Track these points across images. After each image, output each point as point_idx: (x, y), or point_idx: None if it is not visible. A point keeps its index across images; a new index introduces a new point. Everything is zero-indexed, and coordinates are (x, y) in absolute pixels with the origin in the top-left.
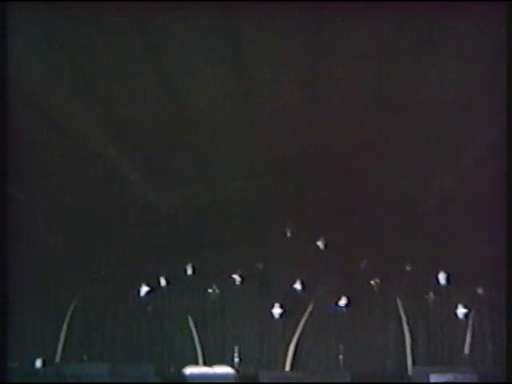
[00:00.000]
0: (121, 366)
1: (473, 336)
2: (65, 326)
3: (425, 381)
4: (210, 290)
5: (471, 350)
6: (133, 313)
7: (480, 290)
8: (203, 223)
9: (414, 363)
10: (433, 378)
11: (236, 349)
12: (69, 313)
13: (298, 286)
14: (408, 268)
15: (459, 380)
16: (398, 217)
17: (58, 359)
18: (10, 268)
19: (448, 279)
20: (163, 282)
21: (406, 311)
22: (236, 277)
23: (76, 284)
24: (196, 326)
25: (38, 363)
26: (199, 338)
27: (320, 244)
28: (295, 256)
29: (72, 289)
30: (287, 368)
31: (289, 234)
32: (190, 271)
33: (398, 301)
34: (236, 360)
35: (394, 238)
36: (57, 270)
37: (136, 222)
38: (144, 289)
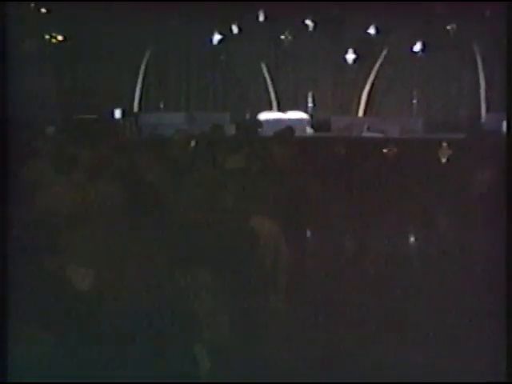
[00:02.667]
0: (197, 114)
1: None
2: (140, 76)
3: (498, 128)
4: (282, 37)
5: None
6: (207, 61)
7: None
8: None
9: (487, 110)
10: (505, 123)
11: (309, 94)
12: (144, 61)
13: (372, 30)
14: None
15: None
16: None
17: (135, 109)
18: None
19: None
20: (235, 29)
21: (482, 57)
22: (309, 22)
23: (150, 31)
24: (269, 73)
25: (117, 113)
26: (273, 84)
27: None
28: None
29: (147, 35)
30: (360, 114)
31: None
32: (261, 17)
33: (475, 46)
34: (310, 105)
35: None
36: None
37: None
38: (217, 37)
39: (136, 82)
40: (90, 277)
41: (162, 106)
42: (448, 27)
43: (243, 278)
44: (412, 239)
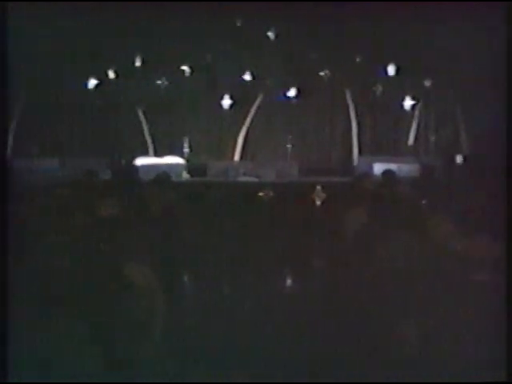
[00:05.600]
0: (72, 160)
1: (418, 127)
2: (15, 119)
3: (369, 169)
4: (158, 82)
5: (415, 141)
6: (83, 106)
7: (428, 83)
8: None
9: (360, 153)
10: (377, 166)
11: (186, 139)
12: (17, 105)
13: (247, 76)
14: (358, 60)
15: (402, 168)
16: None
17: (9, 153)
18: None
19: (397, 71)
20: (112, 74)
21: (354, 102)
22: (185, 68)
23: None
24: (146, 118)
25: None
26: (149, 129)
27: (270, 34)
28: (245, 47)
29: (20, 79)
30: (236, 158)
31: (238, 24)
32: (138, 62)
33: (347, 92)
34: (186, 150)
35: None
36: None
37: None
38: (92, 81)
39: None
40: None
41: (34, 151)
42: (321, 73)
43: (114, 326)
44: (289, 281)
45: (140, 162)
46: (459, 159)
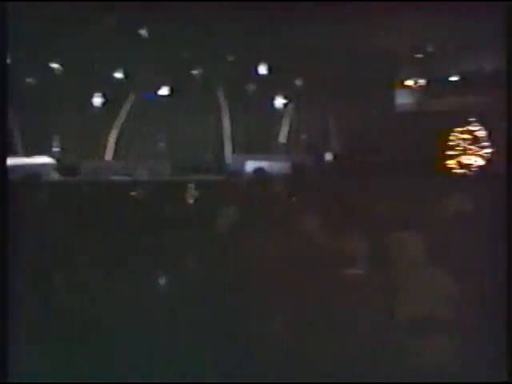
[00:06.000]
0: None
1: (289, 126)
2: None
3: (241, 168)
4: (28, 80)
5: (287, 140)
6: None
7: (299, 82)
8: None
9: (232, 151)
10: (249, 164)
11: (56, 139)
12: None
13: (119, 74)
14: (231, 59)
15: (274, 166)
16: None
17: None
18: None
19: (269, 70)
20: None
21: (226, 101)
22: (56, 66)
23: None
24: (16, 118)
25: None
26: (19, 129)
27: (143, 32)
28: (117, 45)
29: None
30: (109, 157)
31: (112, 23)
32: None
33: (219, 91)
34: (56, 150)
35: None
36: None
37: None
38: None
39: None
40: None
41: None
42: (194, 72)
43: None
44: (162, 281)
45: (10, 161)
46: (329, 156)
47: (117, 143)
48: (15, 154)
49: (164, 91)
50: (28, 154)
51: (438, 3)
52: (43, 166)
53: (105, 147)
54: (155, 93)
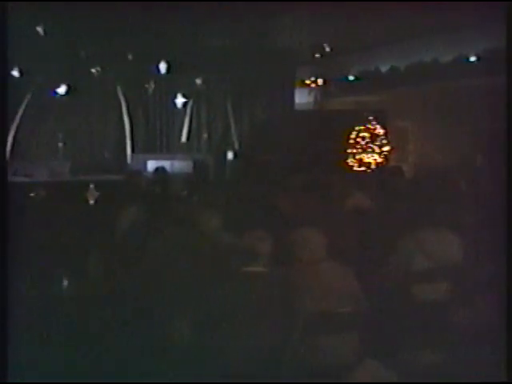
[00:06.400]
0: None
1: (190, 125)
2: None
3: (142, 167)
4: None
5: (188, 139)
6: None
7: (199, 81)
8: None
9: (133, 151)
10: (150, 164)
11: None
12: None
13: (15, 73)
14: (130, 57)
15: (175, 165)
16: None
17: None
18: None
19: (169, 69)
20: None
21: (126, 100)
22: None
23: None
24: None
25: None
26: None
27: (40, 30)
28: (13, 42)
29: None
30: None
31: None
32: None
33: (119, 89)
34: None
35: None
36: None
37: None
38: None
39: None
40: None
41: None
42: (92, 70)
43: None
44: (65, 282)
45: None
46: (230, 155)
47: (14, 143)
48: None
49: (62, 89)
50: None
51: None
52: None
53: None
54: (54, 91)
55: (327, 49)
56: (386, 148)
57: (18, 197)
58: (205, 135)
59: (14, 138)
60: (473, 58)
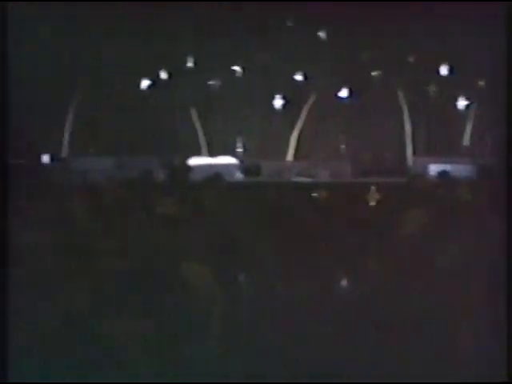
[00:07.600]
0: (126, 158)
1: (473, 128)
2: (68, 121)
3: (424, 171)
4: (211, 82)
5: (471, 142)
6: (136, 106)
7: (482, 83)
8: None
9: (414, 153)
10: (432, 167)
11: (239, 139)
12: (72, 108)
13: (299, 77)
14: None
15: (458, 170)
16: None
17: (64, 154)
18: None
19: (450, 71)
20: (164, 74)
21: (407, 103)
22: (237, 68)
23: (78, 78)
24: (199, 118)
25: (45, 159)
26: (202, 129)
27: (321, 34)
28: (296, 47)
29: (74, 83)
30: (289, 158)
31: (289, 24)
32: (190, 63)
33: (399, 92)
34: (239, 150)
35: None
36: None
37: None
38: (145, 82)
39: (64, 128)
40: None
41: (91, 150)
42: (373, 73)
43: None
44: (344, 282)
45: (193, 162)
46: None
47: (297, 144)
48: (200, 154)
49: (343, 93)
50: (213, 155)
51: None
52: (228, 165)
53: (286, 148)
54: (335, 94)
55: None
56: None
57: (301, 196)
58: (489, 139)
59: (297, 139)
60: None
